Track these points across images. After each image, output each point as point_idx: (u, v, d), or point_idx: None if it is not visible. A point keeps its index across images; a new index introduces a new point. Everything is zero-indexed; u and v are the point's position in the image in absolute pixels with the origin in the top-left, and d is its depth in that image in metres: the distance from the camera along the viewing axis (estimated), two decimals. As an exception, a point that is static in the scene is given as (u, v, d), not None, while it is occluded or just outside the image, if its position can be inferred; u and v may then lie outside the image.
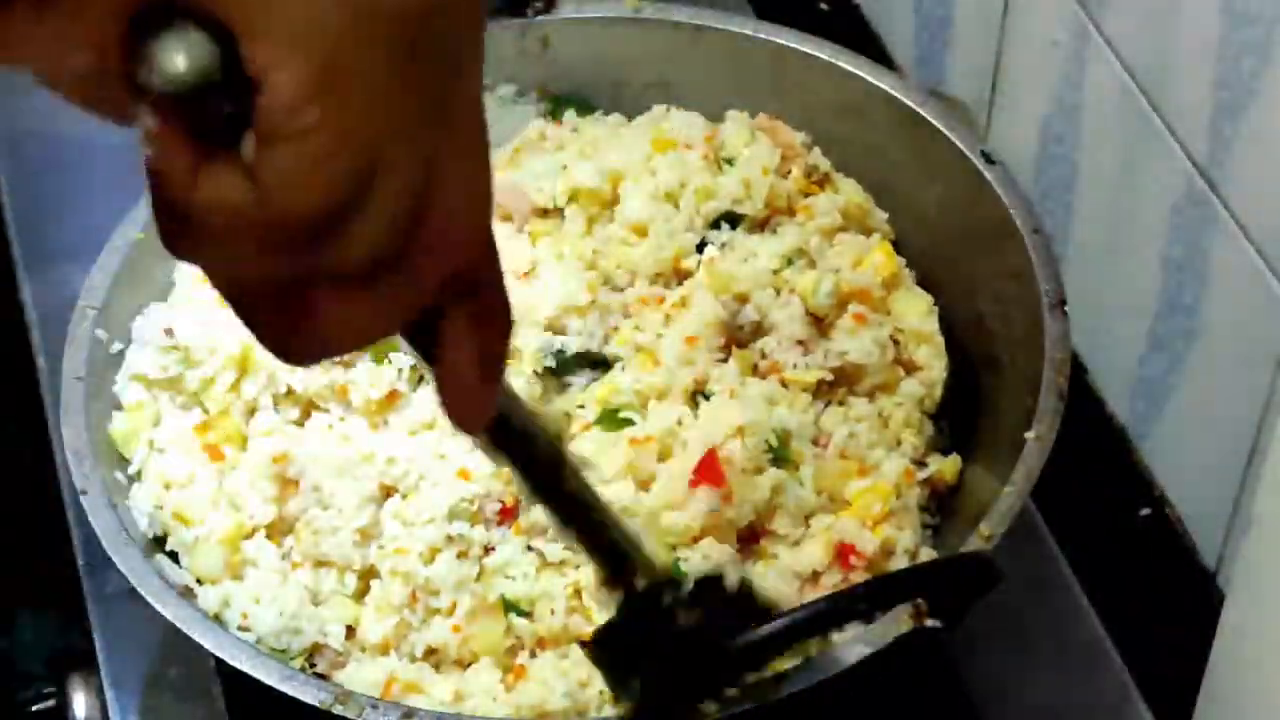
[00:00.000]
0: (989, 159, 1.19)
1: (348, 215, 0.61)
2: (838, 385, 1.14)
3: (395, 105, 0.60)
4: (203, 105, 0.60)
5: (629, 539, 0.90)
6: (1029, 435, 1.07)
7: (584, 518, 0.88)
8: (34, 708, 1.17)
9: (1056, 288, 1.12)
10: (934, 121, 1.22)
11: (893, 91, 1.25)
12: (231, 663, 1.00)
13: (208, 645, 1.01)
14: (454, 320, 0.68)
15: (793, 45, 1.27)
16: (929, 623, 0.95)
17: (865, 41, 1.51)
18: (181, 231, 0.62)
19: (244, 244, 0.61)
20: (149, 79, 0.60)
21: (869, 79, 1.26)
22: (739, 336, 1.15)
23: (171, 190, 0.61)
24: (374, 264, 0.62)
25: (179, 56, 0.59)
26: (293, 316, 0.63)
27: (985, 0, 1.33)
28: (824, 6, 1.57)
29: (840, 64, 1.26)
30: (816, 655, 0.98)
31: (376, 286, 0.63)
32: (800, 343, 1.14)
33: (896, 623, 0.95)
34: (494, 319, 0.69)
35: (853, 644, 0.96)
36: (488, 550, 1.06)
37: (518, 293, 0.90)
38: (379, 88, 0.60)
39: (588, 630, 1.03)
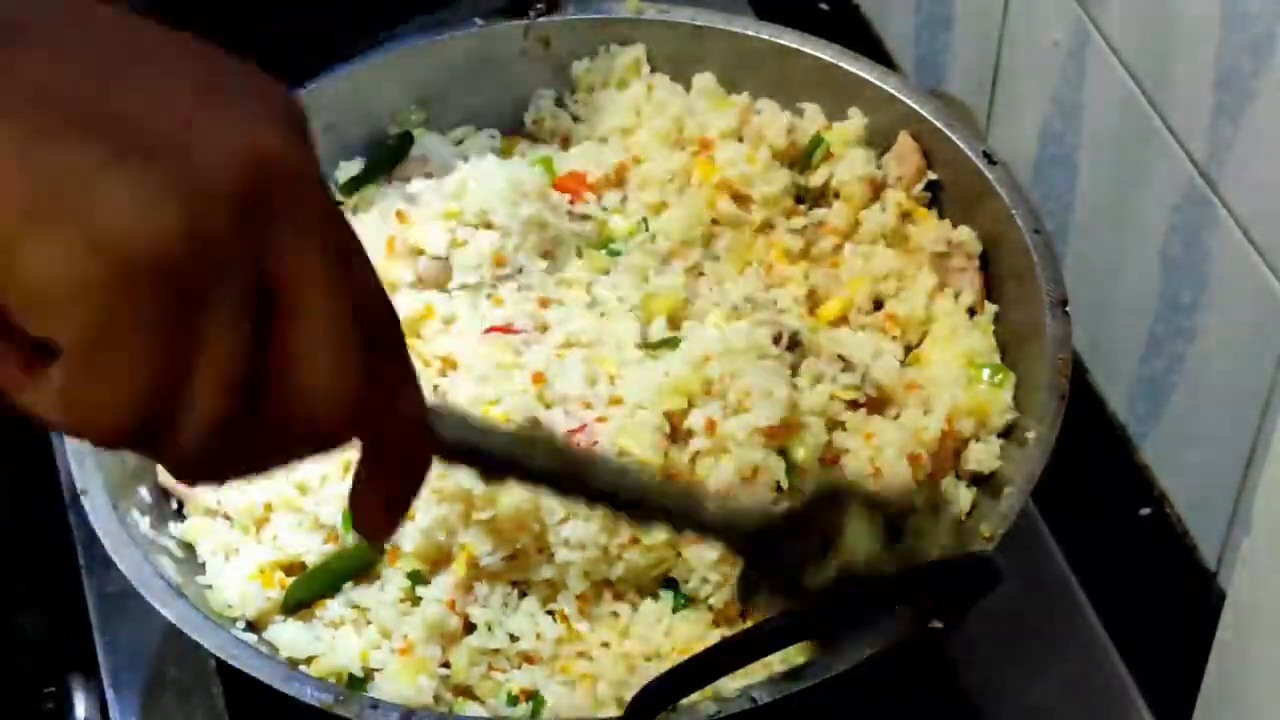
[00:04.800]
0: (989, 159, 1.19)
1: (161, 424, 0.60)
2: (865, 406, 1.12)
3: (182, 340, 0.59)
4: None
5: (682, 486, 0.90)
6: (1029, 435, 1.07)
7: (613, 486, 0.83)
8: (34, 708, 1.17)
9: (1057, 287, 1.12)
10: (934, 121, 1.23)
11: (893, 91, 1.25)
12: (231, 663, 1.00)
13: (208, 645, 1.01)
14: (362, 463, 0.68)
15: (793, 45, 1.27)
16: (930, 623, 0.95)
17: (865, 41, 1.51)
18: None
19: (71, 433, 0.62)
20: None
21: (870, 79, 1.26)
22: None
23: (4, 385, 0.62)
24: (215, 439, 0.61)
25: None
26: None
27: (985, 0, 1.33)
28: (824, 6, 1.57)
29: (841, 64, 1.27)
30: (817, 655, 0.98)
31: (231, 449, 0.62)
32: (841, 357, 1.13)
33: (897, 622, 0.96)
34: (394, 469, 0.68)
35: (853, 644, 0.96)
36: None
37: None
38: (159, 329, 0.58)
39: None
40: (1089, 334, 1.24)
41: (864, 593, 0.95)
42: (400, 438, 0.67)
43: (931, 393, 1.12)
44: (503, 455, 0.77)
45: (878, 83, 1.25)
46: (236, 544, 1.11)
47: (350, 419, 0.63)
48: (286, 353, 0.61)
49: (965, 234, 1.19)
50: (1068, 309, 1.11)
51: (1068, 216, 1.29)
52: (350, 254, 0.63)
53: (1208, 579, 1.20)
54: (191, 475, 0.64)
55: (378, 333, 0.64)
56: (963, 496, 1.09)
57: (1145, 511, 1.24)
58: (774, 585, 0.91)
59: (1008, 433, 1.11)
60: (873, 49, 1.49)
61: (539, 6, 1.31)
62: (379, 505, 0.70)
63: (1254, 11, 1.02)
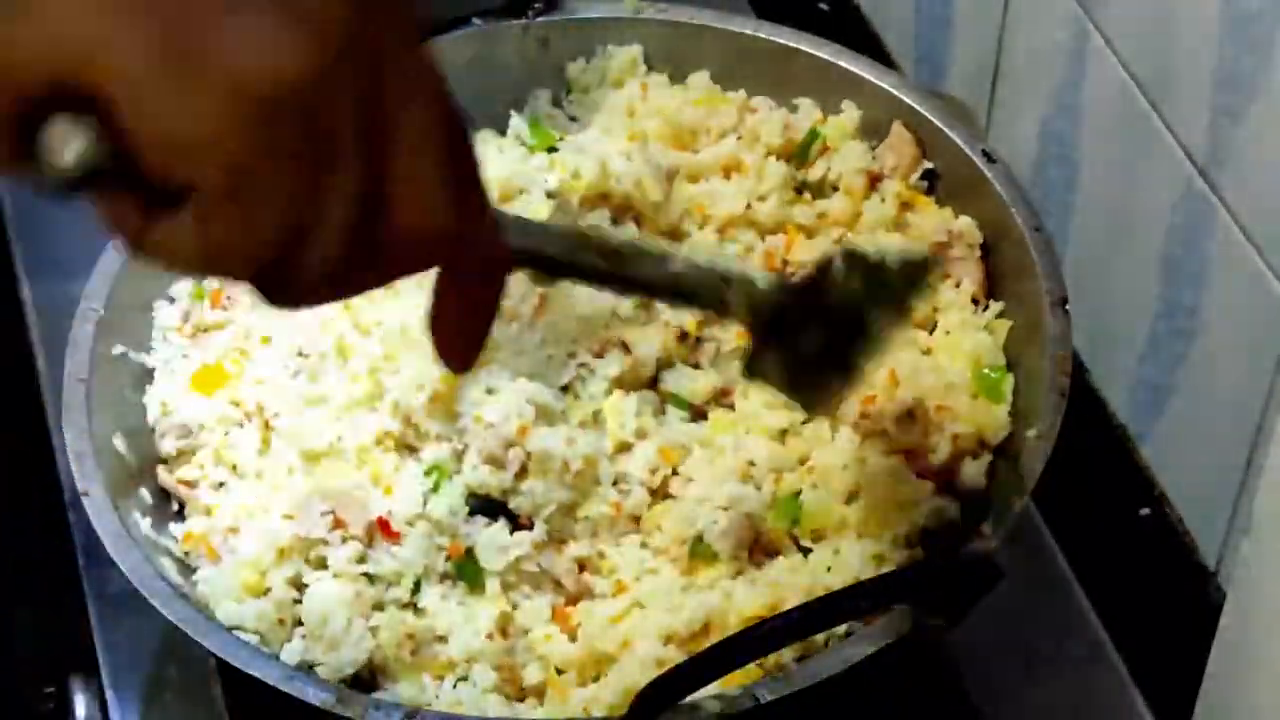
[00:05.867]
0: (989, 157, 1.19)
1: (290, 251, 0.63)
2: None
3: (308, 168, 0.62)
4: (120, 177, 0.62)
5: (716, 271, 0.91)
6: (1030, 434, 1.07)
7: (650, 277, 0.88)
8: (34, 708, 1.17)
9: (1057, 285, 1.12)
10: (933, 120, 1.23)
11: (893, 91, 1.25)
12: (232, 663, 1.00)
13: (208, 645, 1.00)
14: (442, 278, 0.71)
15: (793, 45, 1.27)
16: (931, 621, 0.95)
17: (865, 41, 1.51)
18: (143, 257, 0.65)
19: (203, 271, 0.67)
20: (40, 171, 0.61)
21: (869, 79, 1.26)
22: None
23: (126, 236, 0.65)
24: (335, 263, 0.64)
25: (66, 152, 0.60)
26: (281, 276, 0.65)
27: (985, 0, 1.33)
28: (824, 6, 1.57)
29: (840, 64, 1.27)
30: (817, 654, 0.98)
31: (342, 270, 0.65)
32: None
33: (898, 621, 0.96)
34: (472, 290, 0.72)
35: (853, 643, 0.96)
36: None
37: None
38: (293, 163, 0.61)
39: None
40: (1089, 334, 1.24)
41: (866, 591, 0.95)
42: (479, 261, 0.70)
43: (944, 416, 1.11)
44: (560, 257, 0.82)
45: (877, 81, 1.25)
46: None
47: (449, 242, 0.67)
48: (398, 181, 0.64)
49: (965, 223, 1.19)
50: (1068, 307, 1.11)
51: (1068, 216, 1.29)
52: (446, 96, 0.66)
53: (1207, 579, 1.20)
54: (298, 299, 0.66)
55: (463, 166, 0.67)
56: (950, 508, 1.09)
57: (1145, 511, 1.24)
58: (780, 358, 0.94)
59: (1001, 445, 1.11)
60: (872, 49, 1.49)
61: (537, 6, 1.31)
62: (459, 331, 0.73)
63: (1254, 11, 1.02)
